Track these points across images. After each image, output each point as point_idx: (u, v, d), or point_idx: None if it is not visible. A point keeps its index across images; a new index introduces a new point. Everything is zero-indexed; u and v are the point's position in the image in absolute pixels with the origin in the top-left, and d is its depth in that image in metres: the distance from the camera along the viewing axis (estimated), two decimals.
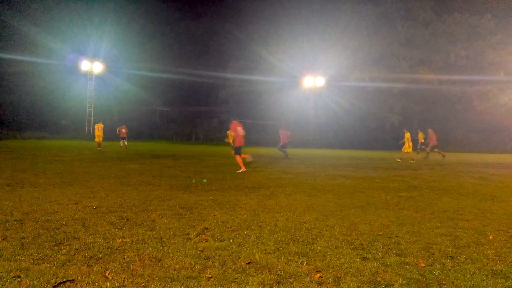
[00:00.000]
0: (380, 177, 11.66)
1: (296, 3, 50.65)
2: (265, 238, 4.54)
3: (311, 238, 4.58)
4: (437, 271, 3.60)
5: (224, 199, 7.09)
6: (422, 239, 4.69)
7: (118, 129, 26.90)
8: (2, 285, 2.97)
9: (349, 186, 9.50)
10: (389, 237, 4.75)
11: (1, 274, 3.19)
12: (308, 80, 43.78)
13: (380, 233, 4.93)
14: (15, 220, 4.98)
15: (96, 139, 23.74)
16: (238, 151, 12.65)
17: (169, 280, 3.21)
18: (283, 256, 3.89)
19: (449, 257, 4.01)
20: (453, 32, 45.20)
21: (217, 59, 58.42)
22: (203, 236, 4.54)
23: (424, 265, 3.75)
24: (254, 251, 4.04)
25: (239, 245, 4.21)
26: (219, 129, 52.55)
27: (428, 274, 3.53)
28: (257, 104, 50.25)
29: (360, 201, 7.33)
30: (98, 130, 23.71)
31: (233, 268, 3.54)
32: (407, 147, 19.95)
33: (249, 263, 3.68)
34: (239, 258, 3.80)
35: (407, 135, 20.00)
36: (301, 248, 4.17)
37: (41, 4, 43.81)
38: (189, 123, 56.89)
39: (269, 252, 4.01)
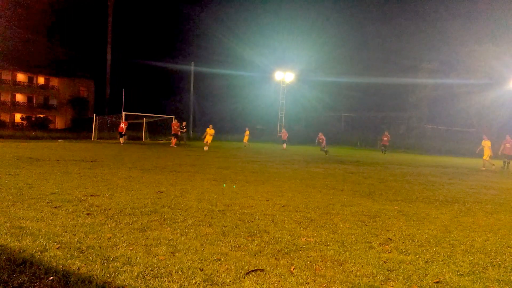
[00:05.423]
0: None
1: None
2: (458, 258, 4.09)
3: None
4: None
5: (411, 210, 6.68)
6: None
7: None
8: (207, 265, 3.51)
9: None
10: None
11: (207, 255, 3.78)
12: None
13: None
14: (218, 210, 5.83)
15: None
16: None
17: (350, 285, 3.23)
18: (479, 281, 3.44)
19: None
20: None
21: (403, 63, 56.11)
22: (387, 246, 4.39)
23: None
24: (444, 270, 3.69)
25: (426, 262, 3.92)
26: (407, 136, 49.32)
27: None
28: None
29: None
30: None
31: (418, 284, 3.32)
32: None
33: (437, 282, 3.39)
34: (426, 275, 3.54)
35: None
36: (502, 275, 3.61)
37: (252, 28, 52.60)
38: (374, 129, 55.38)
39: (462, 274, 3.59)
